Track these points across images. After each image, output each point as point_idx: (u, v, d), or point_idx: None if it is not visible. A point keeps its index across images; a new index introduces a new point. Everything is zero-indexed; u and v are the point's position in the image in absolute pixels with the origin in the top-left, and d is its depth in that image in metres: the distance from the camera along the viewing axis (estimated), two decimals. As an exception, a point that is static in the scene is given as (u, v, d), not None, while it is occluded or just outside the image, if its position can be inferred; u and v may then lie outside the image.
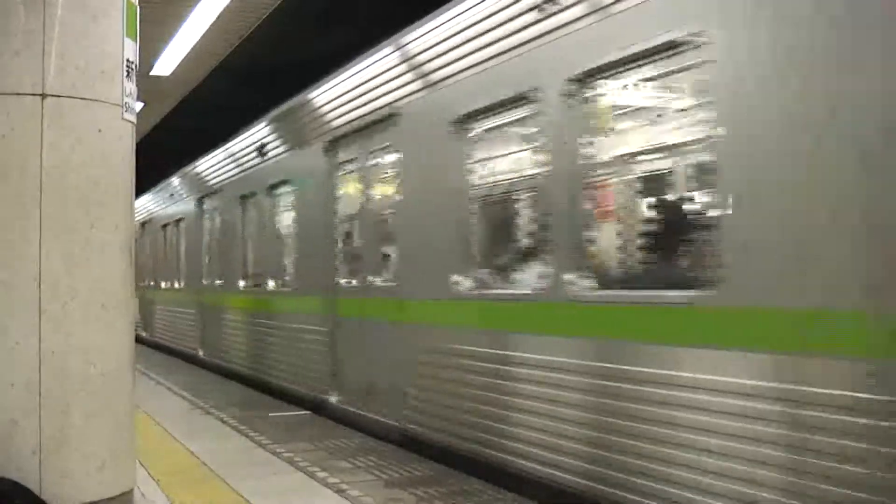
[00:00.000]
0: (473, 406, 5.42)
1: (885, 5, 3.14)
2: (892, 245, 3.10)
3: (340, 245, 7.92)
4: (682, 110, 5.29)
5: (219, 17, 9.09)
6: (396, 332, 6.45)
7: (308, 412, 8.02)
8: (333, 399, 7.55)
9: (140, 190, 4.91)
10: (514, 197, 6.46)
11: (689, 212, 5.48)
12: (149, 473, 5.26)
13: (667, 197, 5.91)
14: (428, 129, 6.05)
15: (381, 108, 6.69)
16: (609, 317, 4.45)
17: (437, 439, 5.85)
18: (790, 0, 3.51)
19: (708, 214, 4.64)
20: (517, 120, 5.59)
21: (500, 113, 5.49)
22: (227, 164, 11.20)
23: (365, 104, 7.00)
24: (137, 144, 3.92)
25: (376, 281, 7.12)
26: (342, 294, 7.60)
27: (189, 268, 13.48)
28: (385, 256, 7.19)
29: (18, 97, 3.45)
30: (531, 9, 4.98)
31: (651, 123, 5.82)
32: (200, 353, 12.33)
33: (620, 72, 4.52)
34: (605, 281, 4.77)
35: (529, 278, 5.33)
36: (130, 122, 3.78)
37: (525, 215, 6.38)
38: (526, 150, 6.05)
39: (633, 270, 5.33)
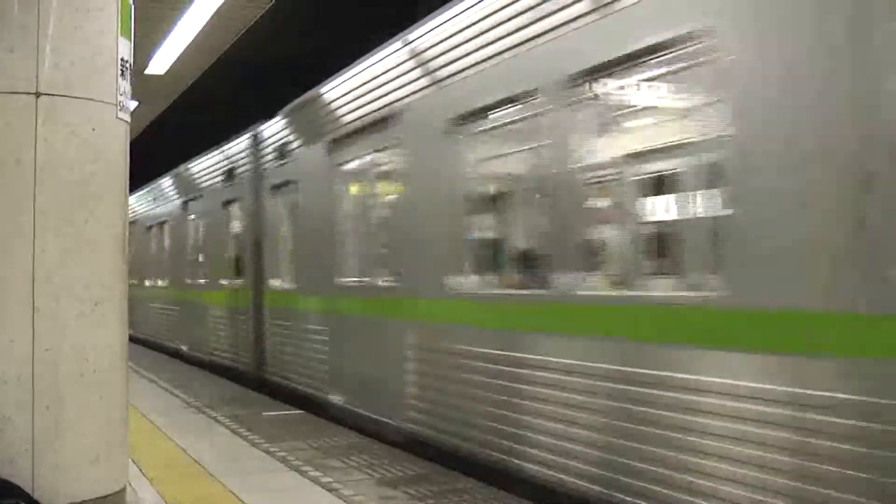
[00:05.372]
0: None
1: None
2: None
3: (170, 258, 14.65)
4: None
5: (213, 16, 9.10)
6: (202, 305, 12.21)
7: (302, 411, 8.04)
8: (184, 348, 13.18)
9: (133, 187, 4.95)
10: None
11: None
12: (141, 470, 5.27)
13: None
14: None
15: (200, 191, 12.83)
16: None
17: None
18: None
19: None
20: None
21: None
22: (137, 203, 16.63)
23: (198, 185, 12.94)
24: (131, 143, 3.92)
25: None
26: (183, 287, 13.33)
27: None
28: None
29: (12, 95, 3.45)
30: None
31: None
32: None
33: None
34: None
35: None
36: (124, 120, 3.79)
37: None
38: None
39: None
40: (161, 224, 15.31)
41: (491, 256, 5.88)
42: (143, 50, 9.94)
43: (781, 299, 3.41)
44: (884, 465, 3.01)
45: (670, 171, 4.98)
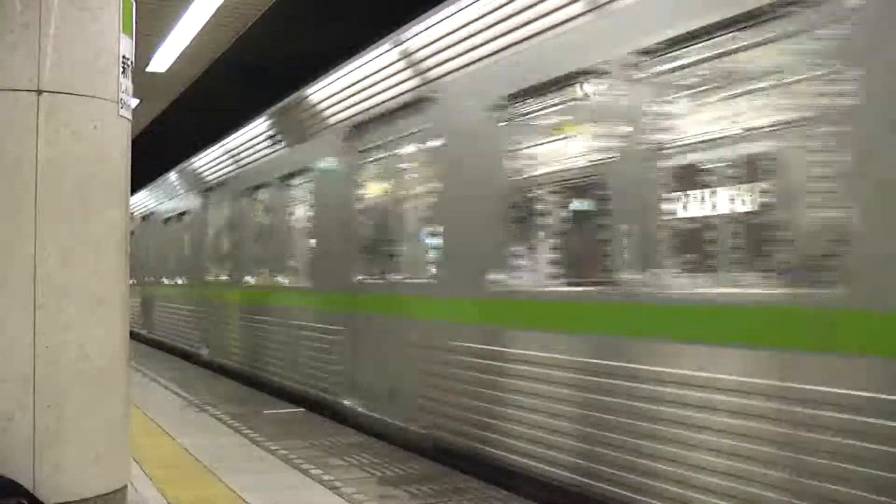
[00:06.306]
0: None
1: None
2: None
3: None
4: None
5: (215, 14, 9.09)
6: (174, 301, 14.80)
7: (302, 409, 8.03)
8: (144, 332, 16.43)
9: (135, 186, 4.95)
10: None
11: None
12: (142, 469, 5.27)
13: None
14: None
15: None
16: None
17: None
18: None
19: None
20: None
21: None
22: None
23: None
24: (133, 140, 3.92)
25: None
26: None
27: None
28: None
29: (14, 93, 3.44)
30: None
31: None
32: None
33: None
34: None
35: None
36: (126, 118, 3.78)
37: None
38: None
39: None
40: None
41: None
42: (145, 47, 9.94)
43: None
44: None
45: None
